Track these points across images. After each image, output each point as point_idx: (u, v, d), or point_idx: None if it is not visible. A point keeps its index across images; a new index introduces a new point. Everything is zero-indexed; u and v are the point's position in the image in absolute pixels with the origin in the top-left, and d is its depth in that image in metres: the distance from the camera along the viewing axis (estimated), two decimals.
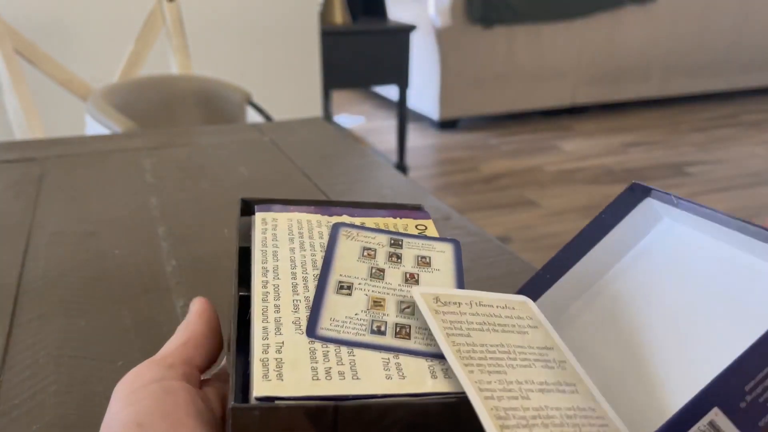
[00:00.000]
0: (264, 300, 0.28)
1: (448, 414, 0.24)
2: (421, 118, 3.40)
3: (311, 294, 0.28)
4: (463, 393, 0.24)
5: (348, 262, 0.31)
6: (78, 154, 0.83)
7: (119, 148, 0.86)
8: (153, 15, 1.51)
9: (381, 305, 0.28)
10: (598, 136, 3.13)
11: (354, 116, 3.57)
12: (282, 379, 0.23)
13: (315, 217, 0.35)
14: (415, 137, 3.12)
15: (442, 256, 0.32)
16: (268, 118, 1.25)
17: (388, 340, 0.26)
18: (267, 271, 0.30)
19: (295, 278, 0.29)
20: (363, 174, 0.77)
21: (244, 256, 0.32)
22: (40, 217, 0.63)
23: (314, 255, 0.31)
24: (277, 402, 0.23)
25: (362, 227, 0.34)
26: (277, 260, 0.31)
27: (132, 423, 0.21)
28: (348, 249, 0.32)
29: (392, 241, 0.33)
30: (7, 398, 0.37)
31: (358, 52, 2.44)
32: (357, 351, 0.25)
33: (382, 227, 0.35)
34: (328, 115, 2.50)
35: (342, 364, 0.25)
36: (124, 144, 0.88)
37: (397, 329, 0.27)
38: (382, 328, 0.27)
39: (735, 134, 3.16)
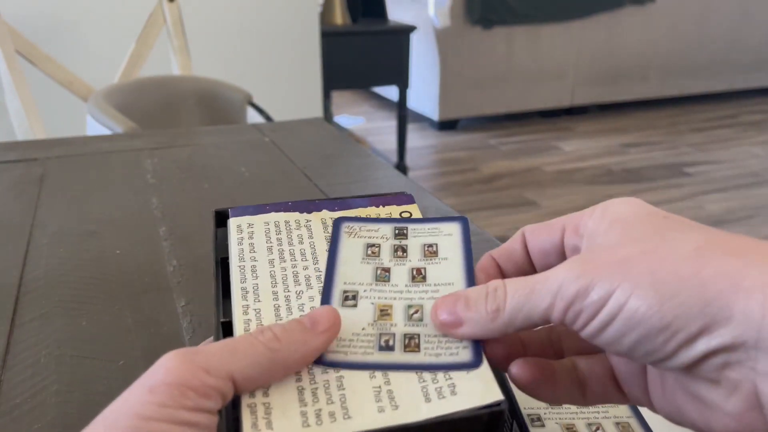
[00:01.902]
0: (246, 329, 0.26)
1: (443, 431, 0.23)
2: (420, 119, 3.40)
3: (294, 316, 0.27)
4: (460, 410, 0.23)
5: (352, 267, 0.29)
6: (79, 155, 0.83)
7: (120, 149, 0.86)
8: (154, 15, 1.51)
9: (388, 314, 0.27)
10: (597, 137, 3.13)
11: (354, 117, 3.57)
12: (272, 428, 0.22)
13: (293, 216, 0.33)
14: (415, 137, 3.13)
15: (450, 240, 0.30)
16: (268, 118, 1.26)
17: (397, 356, 0.25)
18: (247, 292, 0.28)
19: (276, 299, 0.28)
20: (363, 174, 0.77)
21: (227, 268, 0.30)
22: (41, 217, 0.63)
23: (295, 266, 0.30)
24: None
25: (364, 219, 0.32)
26: (257, 277, 0.29)
27: None
28: (351, 249, 0.30)
29: (397, 231, 0.31)
30: (9, 398, 0.38)
31: (358, 53, 2.44)
32: (347, 382, 0.24)
33: (364, 215, 0.33)
34: (328, 116, 2.50)
35: (332, 402, 0.23)
36: (125, 144, 0.88)
37: (406, 341, 0.26)
38: (390, 342, 0.26)
39: (734, 134, 3.17)
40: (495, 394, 0.24)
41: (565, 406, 0.32)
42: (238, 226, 0.32)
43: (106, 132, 1.08)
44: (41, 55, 1.42)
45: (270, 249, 0.31)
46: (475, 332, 0.25)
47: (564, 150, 2.94)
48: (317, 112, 2.17)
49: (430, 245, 0.30)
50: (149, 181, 0.73)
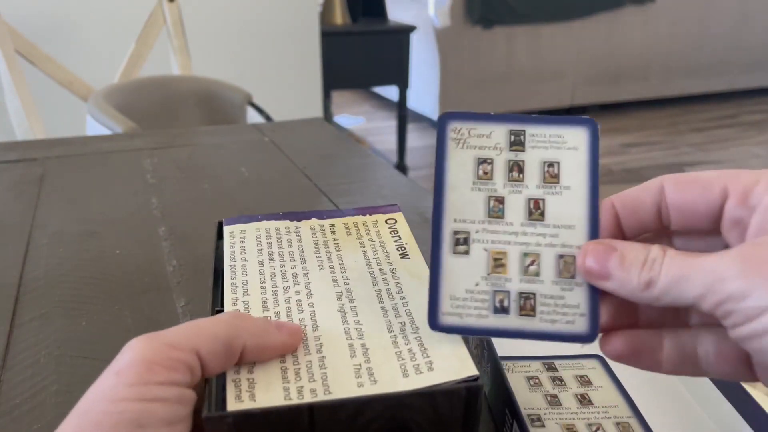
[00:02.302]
0: None
1: (424, 404, 0.24)
2: (421, 119, 3.40)
3: (281, 308, 0.28)
4: (439, 384, 0.24)
5: (461, 195, 0.26)
6: (79, 155, 0.83)
7: (120, 149, 0.86)
8: (154, 15, 1.51)
9: (503, 264, 0.25)
10: None
11: (354, 117, 3.57)
12: (254, 400, 0.23)
13: (283, 224, 0.35)
14: (415, 137, 3.12)
15: (574, 157, 0.27)
16: (268, 118, 1.26)
17: (512, 320, 0.25)
18: (236, 287, 0.29)
19: (264, 293, 0.29)
20: (363, 174, 0.77)
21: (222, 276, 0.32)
22: (41, 217, 0.63)
23: (284, 265, 0.31)
24: (249, 410, 0.23)
25: (474, 117, 0.27)
26: (246, 275, 0.30)
27: (133, 424, 0.21)
28: (460, 166, 0.27)
29: (513, 138, 0.27)
30: (8, 398, 0.38)
31: (358, 53, 2.44)
32: (329, 362, 0.25)
33: (352, 225, 0.34)
34: (328, 116, 2.50)
35: (314, 380, 0.24)
36: (125, 144, 0.88)
37: (522, 302, 0.25)
38: (505, 303, 0.25)
39: (734, 134, 3.16)
40: (470, 370, 0.24)
41: (564, 406, 0.32)
42: (231, 233, 0.34)
43: (106, 132, 1.08)
44: (41, 55, 1.42)
45: (260, 251, 0.32)
46: (618, 292, 0.24)
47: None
48: (317, 112, 2.17)
49: (551, 164, 0.26)
50: (149, 181, 0.73)
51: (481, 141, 0.27)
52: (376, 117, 3.55)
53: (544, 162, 0.26)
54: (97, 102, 1.16)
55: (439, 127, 0.27)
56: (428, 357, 0.25)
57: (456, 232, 0.26)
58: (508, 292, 0.25)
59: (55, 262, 0.54)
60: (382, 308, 0.28)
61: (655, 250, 0.23)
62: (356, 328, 0.27)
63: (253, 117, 1.31)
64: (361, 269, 0.31)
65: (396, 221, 0.35)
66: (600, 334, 0.25)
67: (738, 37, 3.63)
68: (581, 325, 0.24)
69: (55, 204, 0.66)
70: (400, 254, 0.32)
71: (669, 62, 3.56)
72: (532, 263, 0.25)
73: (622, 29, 3.39)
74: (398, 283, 0.30)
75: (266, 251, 0.32)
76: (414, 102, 3.31)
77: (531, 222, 0.26)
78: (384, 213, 0.36)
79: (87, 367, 0.41)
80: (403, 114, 2.59)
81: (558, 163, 0.26)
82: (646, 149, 2.94)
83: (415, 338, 0.26)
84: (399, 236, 0.34)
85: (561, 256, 0.25)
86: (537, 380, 0.34)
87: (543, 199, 0.26)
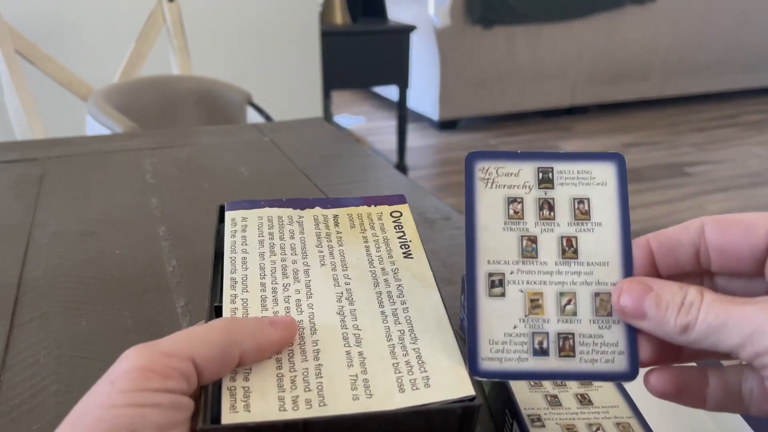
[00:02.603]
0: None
1: (420, 422, 0.24)
2: (421, 119, 3.40)
3: (280, 308, 0.28)
4: (434, 402, 0.23)
5: (494, 236, 0.26)
6: (78, 155, 0.83)
7: (120, 149, 0.86)
8: (153, 15, 1.51)
9: (539, 305, 0.25)
10: (597, 137, 3.13)
11: (354, 116, 3.57)
12: (249, 411, 0.23)
13: (286, 212, 0.34)
14: (415, 137, 3.12)
15: (603, 193, 0.26)
16: (268, 118, 1.26)
17: (552, 362, 0.24)
18: (236, 282, 0.29)
19: (264, 290, 0.29)
20: (363, 174, 0.77)
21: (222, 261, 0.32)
22: (40, 217, 0.63)
23: (284, 259, 0.30)
24: (244, 423, 0.22)
25: (500, 155, 0.27)
26: (246, 269, 0.30)
27: (126, 428, 0.21)
28: (490, 207, 0.26)
29: (541, 176, 0.27)
30: (8, 398, 0.37)
31: (358, 53, 2.44)
32: (325, 371, 0.25)
33: (356, 217, 0.33)
34: (328, 116, 2.50)
35: (309, 390, 0.24)
36: (125, 144, 0.88)
37: (560, 343, 0.25)
38: (545, 345, 0.25)
39: (735, 134, 3.16)
40: (467, 389, 0.24)
41: (564, 406, 0.32)
42: (233, 220, 0.33)
43: (106, 132, 1.08)
44: (41, 55, 1.41)
45: (261, 242, 0.31)
46: (654, 332, 0.24)
47: (564, 150, 2.94)
48: (317, 112, 2.17)
49: (581, 200, 0.26)
50: (149, 181, 0.73)
51: (509, 180, 0.27)
52: (376, 117, 3.55)
53: (574, 199, 0.26)
54: (97, 102, 1.16)
55: (467, 167, 0.27)
56: (425, 372, 0.25)
57: (491, 274, 0.25)
58: (546, 333, 0.25)
59: (55, 262, 0.54)
60: (382, 313, 0.28)
61: (693, 293, 0.23)
62: (354, 334, 0.27)
63: (253, 117, 1.30)
64: (362, 268, 0.30)
65: (401, 214, 0.34)
66: (643, 370, 0.25)
67: (738, 37, 3.63)
68: (621, 364, 0.24)
69: (55, 204, 0.66)
70: (403, 253, 0.32)
71: (669, 62, 3.56)
72: (568, 302, 0.25)
73: (622, 29, 3.39)
74: (399, 285, 0.30)
75: (267, 242, 0.31)
76: (414, 102, 3.31)
77: (565, 260, 0.26)
78: (390, 204, 0.35)
79: (87, 367, 0.41)
80: (403, 114, 2.59)
81: (588, 199, 0.26)
82: (646, 149, 2.94)
83: (414, 349, 0.26)
84: (404, 232, 0.33)
85: (597, 294, 0.25)
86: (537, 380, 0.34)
87: (575, 237, 0.26)
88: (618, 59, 3.45)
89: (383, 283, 0.30)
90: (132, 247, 0.57)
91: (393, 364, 0.25)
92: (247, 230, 0.32)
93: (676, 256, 0.25)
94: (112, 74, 1.51)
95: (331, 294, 0.29)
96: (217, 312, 0.28)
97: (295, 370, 0.25)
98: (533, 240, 0.26)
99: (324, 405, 0.23)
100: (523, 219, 0.26)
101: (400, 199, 0.35)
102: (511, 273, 0.25)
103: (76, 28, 1.74)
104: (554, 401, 0.32)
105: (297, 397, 0.24)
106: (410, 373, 0.25)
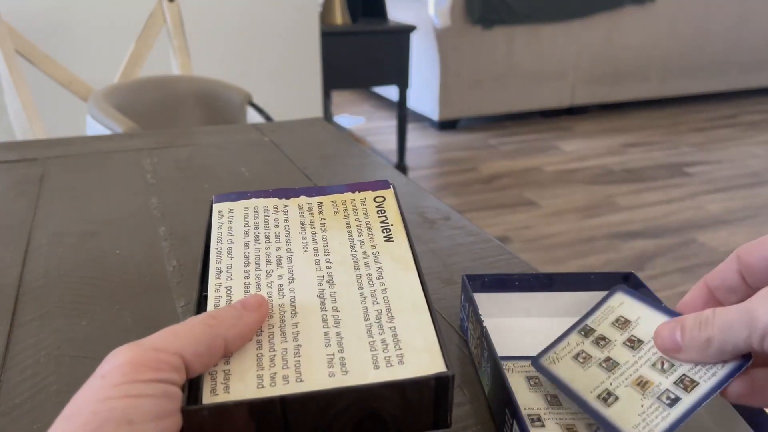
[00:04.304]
0: (217, 305, 0.28)
1: (395, 396, 0.24)
2: (421, 119, 3.40)
3: (263, 293, 0.29)
4: (411, 377, 0.24)
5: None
6: (79, 155, 0.83)
7: (120, 149, 0.86)
8: (153, 15, 1.51)
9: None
10: (597, 137, 3.13)
11: (354, 116, 3.57)
12: (228, 392, 0.24)
13: (271, 202, 0.34)
14: (415, 137, 3.12)
15: (630, 310, 0.33)
16: (268, 118, 1.26)
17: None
18: (221, 271, 0.30)
19: (247, 277, 0.30)
20: (363, 174, 0.77)
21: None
22: (40, 217, 0.63)
23: (269, 247, 0.31)
24: (223, 402, 0.23)
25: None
26: (231, 258, 0.31)
27: (122, 419, 0.21)
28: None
29: (585, 333, 0.33)
30: (8, 398, 0.37)
31: (358, 53, 2.44)
32: (303, 350, 0.26)
33: (339, 204, 0.34)
34: (328, 116, 2.50)
35: (287, 368, 0.25)
36: (125, 144, 0.88)
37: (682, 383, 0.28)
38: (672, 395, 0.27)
39: (734, 134, 3.16)
40: (440, 367, 0.25)
41: (564, 406, 0.32)
42: (220, 212, 0.34)
43: (106, 132, 1.08)
44: (41, 54, 1.42)
45: (246, 232, 0.32)
46: (692, 358, 0.27)
47: (564, 150, 2.94)
48: (317, 112, 2.17)
49: (619, 321, 0.32)
50: (149, 181, 0.73)
51: (565, 352, 0.33)
52: (376, 117, 3.55)
53: (613, 324, 0.32)
54: (97, 102, 1.16)
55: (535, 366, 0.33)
56: (400, 350, 0.26)
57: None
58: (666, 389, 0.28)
59: (55, 262, 0.54)
60: (361, 294, 0.29)
61: (707, 312, 0.27)
62: (333, 315, 0.28)
63: (253, 117, 1.30)
64: (344, 252, 0.31)
65: (385, 199, 0.35)
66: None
67: (738, 37, 3.63)
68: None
69: (55, 204, 0.66)
70: (384, 237, 0.32)
71: (669, 62, 3.56)
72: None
73: (622, 29, 3.39)
74: (379, 267, 0.30)
75: (252, 232, 0.32)
76: (414, 102, 3.31)
77: (635, 350, 0.30)
78: (373, 190, 0.35)
79: (87, 367, 0.41)
80: (403, 114, 2.59)
81: (625, 320, 0.32)
82: (646, 149, 2.94)
83: (390, 328, 0.27)
84: (386, 216, 0.34)
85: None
86: (537, 380, 0.34)
87: (635, 336, 0.31)
88: (618, 59, 3.45)
89: (363, 266, 0.30)
90: (132, 247, 0.57)
91: (369, 342, 0.26)
92: (233, 221, 0.33)
93: (728, 286, 0.30)
94: (112, 74, 1.51)
95: (312, 278, 0.30)
96: (204, 301, 0.29)
97: (274, 350, 0.26)
98: (609, 360, 0.31)
99: (300, 381, 0.24)
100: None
101: (383, 185, 0.36)
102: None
103: (76, 28, 1.74)
104: (554, 401, 0.32)
105: (275, 374, 0.25)
106: (385, 350, 0.26)
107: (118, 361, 0.22)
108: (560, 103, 3.43)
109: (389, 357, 0.25)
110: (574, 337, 0.34)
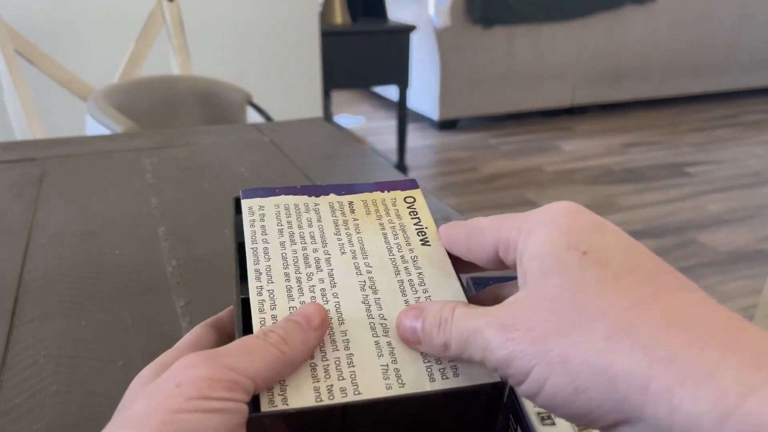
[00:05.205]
0: (261, 310, 0.28)
1: (451, 402, 0.24)
2: (421, 119, 3.40)
3: (306, 298, 0.28)
4: (465, 386, 0.24)
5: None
6: (78, 154, 0.83)
7: (120, 149, 0.86)
8: (153, 15, 1.51)
9: (586, 428, 0.28)
10: (598, 137, 3.13)
11: (354, 116, 3.57)
12: (287, 404, 0.24)
13: (302, 200, 0.34)
14: (415, 137, 3.12)
15: None
16: (268, 118, 1.25)
17: None
18: (260, 273, 0.29)
19: (288, 280, 0.29)
20: (363, 174, 0.77)
21: (243, 252, 0.32)
22: (40, 217, 0.63)
23: (305, 248, 0.31)
24: (285, 410, 0.23)
25: None
26: (269, 259, 0.30)
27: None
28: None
29: None
30: (8, 398, 0.37)
31: (358, 53, 2.44)
32: (356, 360, 0.25)
33: (371, 203, 0.34)
34: (328, 116, 2.50)
35: (343, 379, 0.25)
36: (125, 144, 0.88)
37: None
38: None
39: (735, 134, 3.16)
40: (493, 377, 0.25)
41: None
42: (250, 208, 0.33)
43: (106, 132, 1.08)
44: (41, 54, 1.41)
45: (281, 231, 0.32)
46: (435, 355, 0.25)
47: (564, 150, 2.94)
48: (317, 111, 2.17)
49: None
50: (148, 181, 0.73)
51: None
52: (376, 117, 3.55)
53: None
54: (97, 102, 1.16)
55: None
56: (453, 361, 0.26)
57: (539, 413, 0.30)
58: None
59: (54, 262, 0.53)
60: (405, 302, 0.28)
61: (447, 310, 0.25)
62: (381, 324, 0.27)
63: (253, 117, 1.30)
64: (382, 255, 0.31)
65: (415, 200, 0.34)
66: None
67: (738, 37, 3.63)
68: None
69: (54, 204, 0.66)
70: (420, 240, 0.32)
71: (669, 62, 3.56)
72: None
73: (622, 29, 3.39)
74: (420, 273, 0.30)
75: (287, 231, 0.32)
76: (414, 102, 3.31)
77: None
78: (402, 190, 0.35)
79: (86, 367, 0.41)
80: (403, 114, 2.59)
81: None
82: (646, 149, 2.94)
83: None
84: (419, 218, 0.33)
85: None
86: None
87: None
88: (618, 59, 3.45)
89: (404, 272, 0.30)
90: (132, 247, 0.57)
91: (421, 354, 0.26)
92: (265, 219, 0.32)
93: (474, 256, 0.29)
94: (112, 74, 1.51)
95: (354, 283, 0.29)
96: (244, 304, 0.29)
97: (327, 359, 0.25)
98: None
99: (359, 393, 0.24)
100: None
101: (412, 184, 0.35)
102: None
103: (76, 28, 1.74)
104: None
105: (331, 386, 0.24)
106: (438, 362, 0.26)
107: (194, 374, 0.22)
108: (560, 103, 3.43)
109: (443, 369, 0.25)
110: None
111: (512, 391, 0.31)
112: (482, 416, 0.25)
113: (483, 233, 0.27)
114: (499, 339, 0.22)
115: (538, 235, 0.24)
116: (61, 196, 0.68)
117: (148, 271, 0.52)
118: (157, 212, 0.64)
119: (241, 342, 0.24)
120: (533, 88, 3.33)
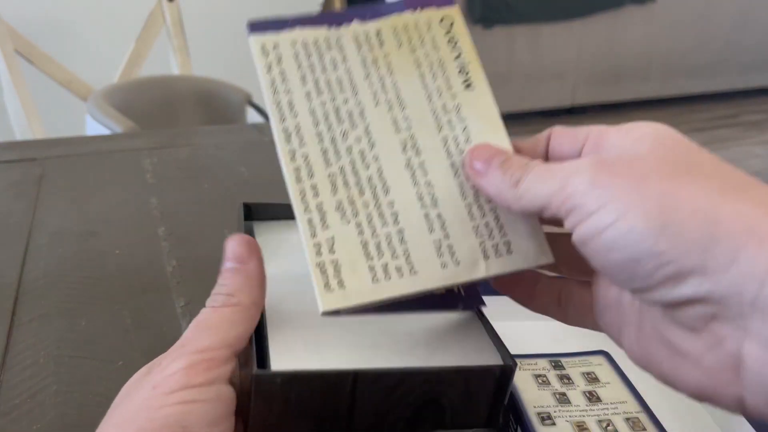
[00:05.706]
0: (298, 179, 0.25)
1: (459, 380, 0.24)
2: None
3: (344, 163, 0.25)
4: (475, 365, 0.24)
5: (531, 394, 0.33)
6: (78, 154, 0.82)
7: (119, 149, 0.85)
8: (153, 15, 1.51)
9: (586, 428, 0.30)
10: None
11: None
12: (344, 287, 0.22)
13: (321, 34, 0.28)
14: None
15: (603, 369, 0.35)
16: (268, 118, 1.25)
17: None
18: (289, 134, 0.26)
19: (321, 141, 0.25)
20: None
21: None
22: (40, 217, 0.63)
23: (334, 99, 0.26)
24: (297, 371, 0.23)
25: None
26: (296, 115, 0.26)
27: (177, 425, 0.21)
28: (522, 379, 0.34)
29: (554, 365, 0.36)
30: (8, 398, 0.37)
31: None
32: (408, 235, 0.24)
33: (402, 30, 0.28)
34: None
35: (397, 257, 0.23)
36: (125, 144, 0.88)
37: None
38: None
39: (735, 134, 3.16)
40: (548, 257, 0.24)
41: (574, 404, 0.31)
42: (263, 47, 0.28)
43: (106, 132, 1.08)
44: (41, 54, 1.41)
45: (303, 79, 0.27)
46: (490, 192, 0.24)
47: None
48: None
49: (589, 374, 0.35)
50: (148, 181, 0.73)
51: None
52: None
53: (583, 374, 0.35)
54: (97, 102, 1.15)
55: None
56: (506, 236, 0.24)
57: (539, 414, 0.32)
58: None
59: (54, 262, 0.53)
60: (452, 165, 0.26)
61: (536, 160, 0.24)
62: (429, 193, 0.25)
63: (253, 117, 1.30)
64: (421, 105, 0.27)
65: (453, 23, 0.29)
66: None
67: (738, 37, 3.63)
68: None
69: (54, 204, 0.66)
70: (463, 82, 0.29)
71: (669, 62, 3.56)
72: (608, 425, 0.31)
73: (622, 29, 3.39)
74: (465, 128, 0.27)
75: (310, 78, 0.27)
76: None
77: (592, 403, 0.32)
78: (438, 7, 0.29)
79: (86, 367, 0.40)
80: None
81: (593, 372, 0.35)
82: None
83: (491, 209, 0.25)
84: (459, 49, 0.29)
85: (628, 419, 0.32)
86: (545, 378, 0.34)
87: (595, 391, 0.33)
88: (618, 59, 3.45)
89: (447, 126, 0.27)
90: (132, 247, 0.56)
91: (473, 227, 0.24)
92: (282, 62, 0.28)
93: (534, 156, 0.27)
94: (112, 74, 1.51)
95: (395, 142, 0.26)
96: (246, 208, 0.30)
97: (377, 235, 0.24)
98: (564, 394, 0.34)
99: (415, 273, 0.23)
100: (550, 384, 0.35)
101: (447, 1, 0.30)
102: (555, 412, 0.32)
103: (76, 28, 1.74)
104: (563, 399, 0.32)
105: (386, 264, 0.23)
106: (491, 237, 0.24)
107: (169, 371, 0.22)
108: (560, 103, 3.43)
109: (496, 245, 0.24)
110: (543, 363, 0.36)
111: (512, 391, 0.31)
112: (488, 399, 0.25)
113: (578, 132, 0.27)
114: (587, 170, 0.21)
115: (645, 128, 0.25)
116: (61, 196, 0.68)
117: (148, 271, 0.52)
118: (157, 212, 0.64)
119: (194, 324, 0.25)
120: (533, 88, 3.33)
